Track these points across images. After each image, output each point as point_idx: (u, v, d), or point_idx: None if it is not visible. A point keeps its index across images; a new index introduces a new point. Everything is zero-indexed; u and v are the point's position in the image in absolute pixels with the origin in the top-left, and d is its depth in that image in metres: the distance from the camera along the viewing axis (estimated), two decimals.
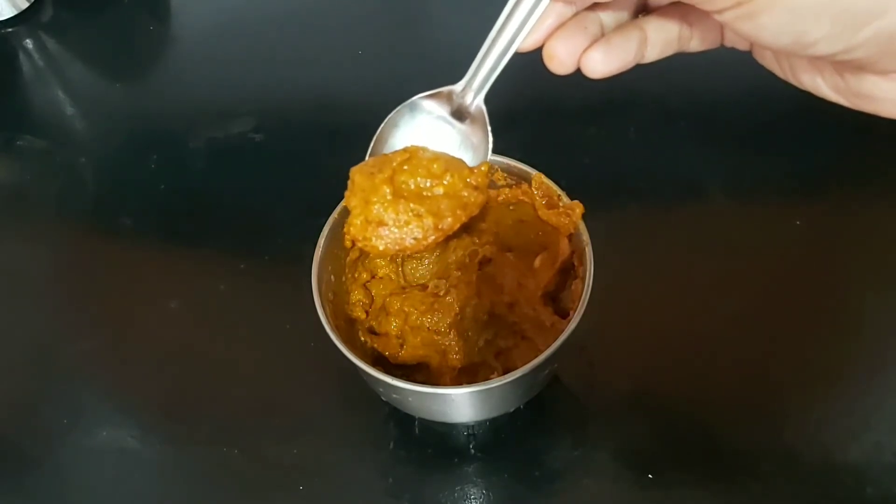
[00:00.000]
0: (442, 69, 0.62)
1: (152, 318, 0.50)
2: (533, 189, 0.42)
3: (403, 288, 0.45)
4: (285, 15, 0.67)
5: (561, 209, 0.41)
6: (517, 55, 0.34)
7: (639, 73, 0.60)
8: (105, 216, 0.56)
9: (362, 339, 0.43)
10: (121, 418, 0.46)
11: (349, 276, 0.44)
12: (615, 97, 0.58)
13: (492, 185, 0.44)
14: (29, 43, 0.67)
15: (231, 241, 0.53)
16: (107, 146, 0.60)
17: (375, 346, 0.43)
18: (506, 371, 0.39)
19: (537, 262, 0.44)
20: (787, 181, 0.53)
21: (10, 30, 0.67)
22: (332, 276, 0.41)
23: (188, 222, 0.55)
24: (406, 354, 0.43)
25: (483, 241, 0.46)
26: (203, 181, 0.57)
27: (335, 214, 0.41)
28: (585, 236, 0.39)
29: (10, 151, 0.60)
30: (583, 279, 0.38)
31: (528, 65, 0.62)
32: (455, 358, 0.42)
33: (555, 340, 0.36)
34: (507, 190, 0.43)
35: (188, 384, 0.47)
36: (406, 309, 0.43)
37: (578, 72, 0.34)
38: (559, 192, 0.41)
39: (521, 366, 0.35)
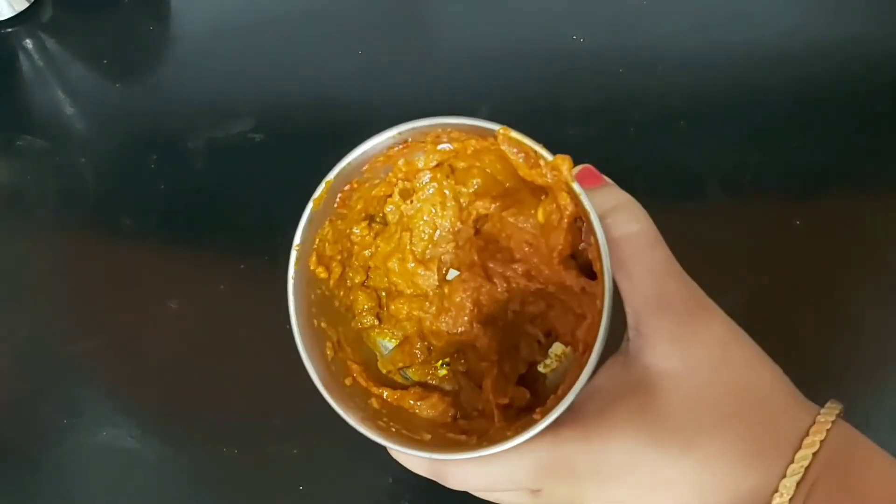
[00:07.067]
0: (443, 69, 0.63)
1: (152, 318, 0.50)
2: (500, 146, 0.34)
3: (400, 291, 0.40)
4: (286, 15, 0.67)
5: (543, 169, 0.33)
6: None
7: (639, 73, 0.60)
8: (105, 216, 0.56)
9: (385, 371, 0.38)
10: (121, 418, 0.46)
11: (342, 297, 0.38)
12: (615, 97, 0.58)
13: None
14: (29, 43, 0.67)
15: (231, 241, 0.53)
16: (107, 146, 0.60)
17: (409, 373, 0.39)
18: (546, 334, 0.36)
19: (540, 214, 0.37)
20: (787, 181, 0.53)
21: (10, 30, 0.67)
22: (324, 323, 0.36)
23: (188, 222, 0.55)
24: (438, 353, 0.39)
25: (469, 190, 0.39)
26: (203, 181, 0.57)
27: (293, 266, 0.36)
28: (587, 204, 0.31)
29: (10, 151, 0.60)
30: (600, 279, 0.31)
31: (528, 64, 0.63)
32: (487, 345, 0.38)
33: (589, 304, 0.33)
34: (473, 141, 0.36)
35: (188, 384, 0.47)
36: (416, 314, 0.39)
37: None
38: (536, 147, 0.33)
39: (561, 328, 0.34)
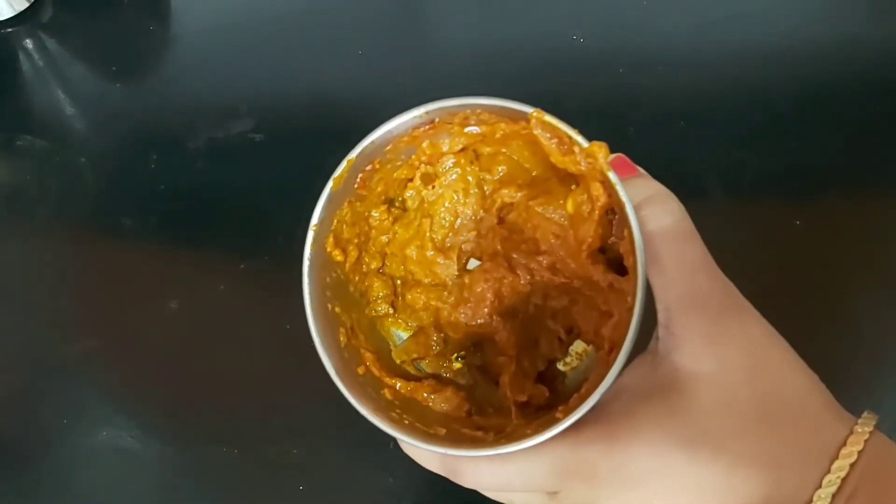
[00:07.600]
0: (443, 69, 0.63)
1: (152, 318, 0.50)
2: (533, 130, 0.33)
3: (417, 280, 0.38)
4: (286, 15, 0.67)
5: (578, 156, 0.32)
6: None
7: (639, 73, 0.60)
8: (105, 216, 0.56)
9: (398, 361, 0.37)
10: (121, 418, 0.46)
11: (357, 282, 0.37)
12: (615, 97, 0.58)
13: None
14: (29, 43, 0.67)
15: (231, 241, 0.53)
16: (107, 146, 0.60)
17: (423, 364, 0.38)
18: (568, 331, 0.35)
19: (570, 204, 0.35)
20: (786, 181, 0.53)
21: (10, 30, 0.67)
22: (338, 308, 0.34)
23: (188, 222, 0.55)
24: (454, 346, 0.38)
25: (494, 177, 0.37)
26: (203, 181, 0.57)
27: (309, 249, 0.34)
28: (623, 195, 0.30)
29: (10, 151, 0.60)
30: (633, 274, 0.30)
31: (527, 64, 0.63)
32: (506, 339, 0.37)
33: (616, 301, 0.31)
34: (502, 125, 0.34)
35: (188, 384, 0.47)
36: (433, 304, 0.38)
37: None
38: (571, 133, 0.32)
39: (583, 324, 0.32)
